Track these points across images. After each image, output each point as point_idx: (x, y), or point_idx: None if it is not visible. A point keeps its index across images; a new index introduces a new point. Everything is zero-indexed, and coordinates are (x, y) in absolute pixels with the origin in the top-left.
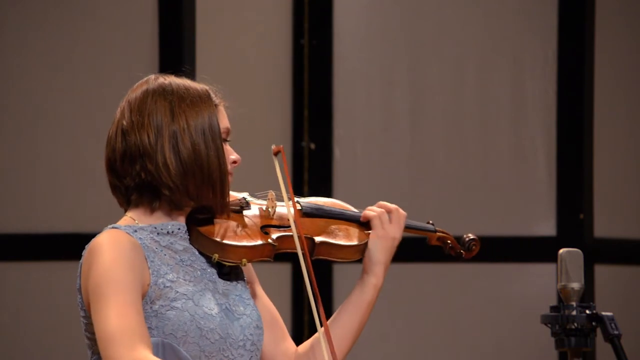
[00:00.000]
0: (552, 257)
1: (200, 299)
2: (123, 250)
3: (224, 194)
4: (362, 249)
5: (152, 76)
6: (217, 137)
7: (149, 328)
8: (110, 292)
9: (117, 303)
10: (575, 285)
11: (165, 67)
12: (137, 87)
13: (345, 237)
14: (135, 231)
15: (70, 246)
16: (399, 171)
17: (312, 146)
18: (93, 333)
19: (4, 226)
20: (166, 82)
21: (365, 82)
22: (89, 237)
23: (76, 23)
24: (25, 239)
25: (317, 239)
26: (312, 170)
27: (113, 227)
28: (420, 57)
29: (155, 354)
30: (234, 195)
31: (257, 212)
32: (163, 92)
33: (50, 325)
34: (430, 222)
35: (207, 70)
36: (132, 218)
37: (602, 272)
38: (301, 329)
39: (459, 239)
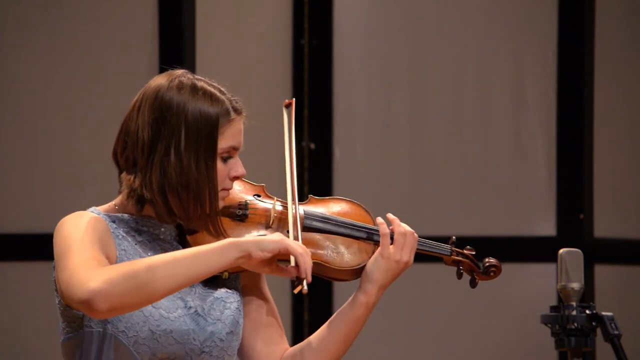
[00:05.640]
0: (552, 257)
1: (162, 300)
2: (84, 220)
3: (212, 216)
4: (359, 270)
5: (177, 72)
6: (211, 158)
7: (106, 322)
8: (70, 246)
9: (80, 248)
10: (575, 285)
11: (165, 67)
12: (157, 78)
13: (341, 257)
14: (113, 221)
15: None
16: (399, 171)
17: (312, 146)
18: (62, 310)
19: (4, 226)
20: (182, 85)
21: (365, 82)
22: None
23: (76, 23)
24: (25, 239)
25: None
26: (312, 170)
27: (91, 210)
28: (420, 57)
29: (107, 348)
30: (252, 184)
31: (254, 221)
32: (175, 96)
33: (50, 325)
34: (454, 238)
35: (207, 70)
36: (115, 205)
37: (602, 272)
38: (301, 329)
39: (478, 262)
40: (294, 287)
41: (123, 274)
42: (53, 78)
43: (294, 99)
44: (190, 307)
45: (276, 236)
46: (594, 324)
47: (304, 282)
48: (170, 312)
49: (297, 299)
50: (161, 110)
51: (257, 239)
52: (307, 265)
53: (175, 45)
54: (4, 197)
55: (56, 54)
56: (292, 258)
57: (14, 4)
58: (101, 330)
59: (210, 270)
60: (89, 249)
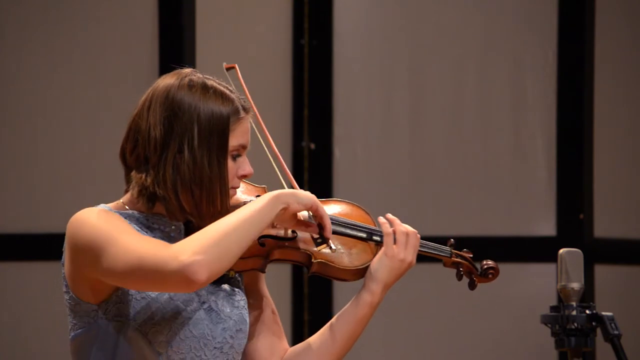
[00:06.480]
0: (552, 257)
1: (178, 293)
2: (104, 213)
3: (223, 213)
4: (362, 271)
5: (185, 71)
6: (222, 156)
7: (123, 314)
8: (111, 235)
9: (125, 235)
10: (575, 285)
11: (165, 67)
12: (165, 77)
13: (345, 258)
14: (125, 218)
15: None
16: (399, 171)
17: (312, 146)
18: (73, 305)
19: (4, 226)
20: (193, 83)
21: (365, 82)
22: None
23: (76, 23)
24: (25, 239)
25: (316, 255)
26: (312, 170)
27: (101, 207)
28: (420, 57)
29: (124, 340)
30: (254, 185)
31: None
32: (186, 95)
33: (50, 325)
34: (452, 240)
35: (207, 70)
36: (124, 204)
37: (602, 272)
38: (301, 329)
39: (476, 265)
40: (317, 245)
41: (207, 242)
42: (53, 78)
43: (235, 64)
44: (204, 302)
45: (307, 192)
46: (594, 324)
47: (330, 242)
48: (187, 305)
49: (297, 299)
50: (173, 109)
51: (293, 191)
52: (330, 225)
53: (175, 45)
54: (4, 197)
55: (56, 54)
56: (302, 215)
57: (14, 4)
58: (118, 322)
59: (265, 225)
60: (135, 233)
